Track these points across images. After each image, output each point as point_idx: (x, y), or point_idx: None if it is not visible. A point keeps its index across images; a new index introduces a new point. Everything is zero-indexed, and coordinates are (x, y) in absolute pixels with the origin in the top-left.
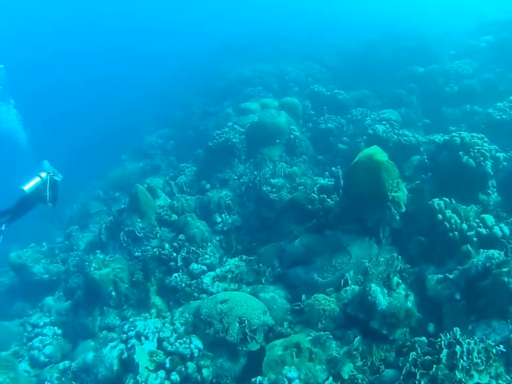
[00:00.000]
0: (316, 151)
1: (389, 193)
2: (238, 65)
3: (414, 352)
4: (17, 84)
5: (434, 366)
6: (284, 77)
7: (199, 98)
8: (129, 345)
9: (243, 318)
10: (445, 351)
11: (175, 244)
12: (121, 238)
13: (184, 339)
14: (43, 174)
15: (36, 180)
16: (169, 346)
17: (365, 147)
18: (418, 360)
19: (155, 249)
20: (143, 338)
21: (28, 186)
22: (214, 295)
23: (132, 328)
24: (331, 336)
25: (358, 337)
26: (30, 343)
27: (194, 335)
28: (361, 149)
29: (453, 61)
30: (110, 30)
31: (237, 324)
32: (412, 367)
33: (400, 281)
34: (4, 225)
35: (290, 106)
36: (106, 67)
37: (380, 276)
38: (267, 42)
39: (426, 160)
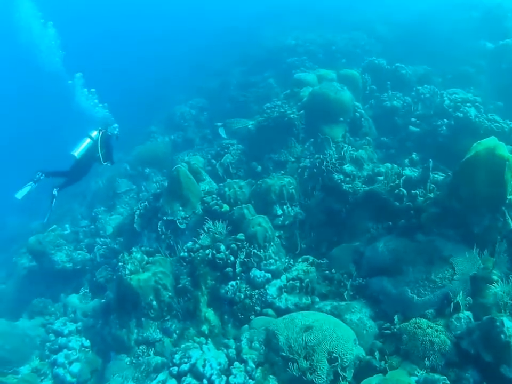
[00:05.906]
0: (378, 132)
1: (508, 196)
2: (279, 33)
3: None
4: None
5: None
6: (331, 47)
7: (236, 67)
8: None
9: (334, 355)
10: None
11: (233, 245)
12: (159, 229)
13: None
14: (94, 133)
15: (86, 142)
16: None
17: (447, 132)
18: None
19: (207, 251)
20: (205, 382)
21: (77, 151)
22: (292, 317)
23: (185, 360)
24: (448, 382)
25: None
26: (54, 356)
27: (272, 376)
28: (442, 133)
29: None
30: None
31: (326, 362)
32: None
33: None
34: (55, 189)
35: (350, 80)
36: (140, 37)
37: (502, 302)
38: (309, 10)
39: None
